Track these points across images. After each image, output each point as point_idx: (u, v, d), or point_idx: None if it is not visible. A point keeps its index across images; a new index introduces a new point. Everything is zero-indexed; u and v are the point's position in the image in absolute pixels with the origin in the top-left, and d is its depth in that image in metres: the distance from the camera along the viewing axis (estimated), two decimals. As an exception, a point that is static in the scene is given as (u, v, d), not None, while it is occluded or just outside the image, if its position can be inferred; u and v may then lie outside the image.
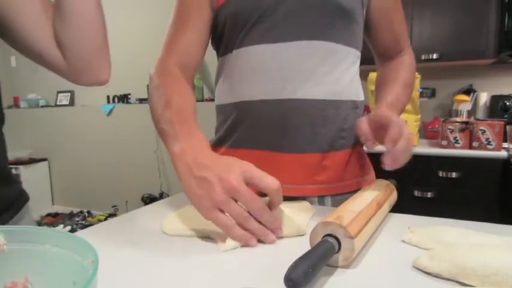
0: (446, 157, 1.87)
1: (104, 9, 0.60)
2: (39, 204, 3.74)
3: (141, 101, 3.26)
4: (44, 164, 3.91)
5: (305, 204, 0.64)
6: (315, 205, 0.68)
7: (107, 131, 3.50)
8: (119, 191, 3.50)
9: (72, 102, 3.72)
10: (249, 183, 0.48)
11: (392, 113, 0.61)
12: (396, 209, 0.61)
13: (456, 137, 1.87)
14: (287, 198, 0.63)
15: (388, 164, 0.56)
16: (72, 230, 2.78)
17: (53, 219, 3.50)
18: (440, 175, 1.88)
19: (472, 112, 2.21)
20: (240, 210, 0.47)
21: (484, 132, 1.81)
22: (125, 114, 3.39)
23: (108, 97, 3.44)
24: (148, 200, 3.20)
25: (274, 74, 0.67)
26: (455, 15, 2.03)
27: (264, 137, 0.69)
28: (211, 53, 0.79)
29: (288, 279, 0.33)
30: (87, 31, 0.57)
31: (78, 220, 3.44)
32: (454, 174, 1.86)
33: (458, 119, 1.91)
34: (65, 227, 3.25)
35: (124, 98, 3.37)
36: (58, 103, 3.77)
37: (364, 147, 0.69)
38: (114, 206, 3.51)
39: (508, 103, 2.16)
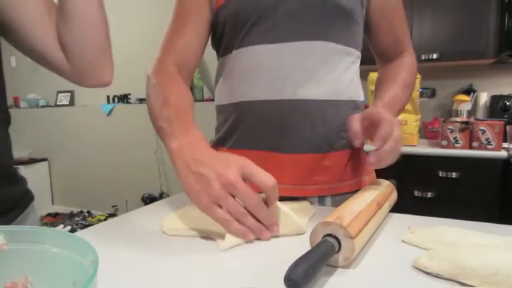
0: (446, 157, 1.87)
1: (105, 10, 0.60)
2: (39, 204, 3.66)
3: (141, 101, 3.26)
4: (44, 164, 3.90)
5: (305, 204, 0.64)
6: (315, 205, 0.68)
7: (107, 131, 3.49)
8: (119, 191, 3.50)
9: (72, 102, 3.71)
10: (246, 179, 0.48)
11: (386, 111, 0.60)
12: (396, 209, 0.61)
13: (456, 137, 1.87)
14: (287, 199, 0.63)
15: (372, 164, 0.56)
16: (72, 230, 2.78)
17: (53, 219, 3.50)
18: (440, 175, 1.88)
19: (472, 112, 2.21)
20: (238, 206, 0.48)
21: (484, 132, 1.81)
22: (125, 114, 3.39)
23: (108, 97, 3.44)
24: (148, 200, 3.20)
25: (274, 74, 0.66)
26: (455, 15, 2.03)
27: (264, 137, 0.69)
28: (211, 53, 0.79)
29: (288, 279, 0.33)
30: (89, 33, 0.57)
31: (78, 220, 3.44)
32: (454, 174, 1.86)
33: (458, 119, 1.91)
34: (65, 227, 3.25)
35: (124, 98, 3.37)
36: (58, 103, 3.77)
37: (354, 145, 0.66)
38: (114, 206, 3.51)
39: (508, 103, 2.16)
